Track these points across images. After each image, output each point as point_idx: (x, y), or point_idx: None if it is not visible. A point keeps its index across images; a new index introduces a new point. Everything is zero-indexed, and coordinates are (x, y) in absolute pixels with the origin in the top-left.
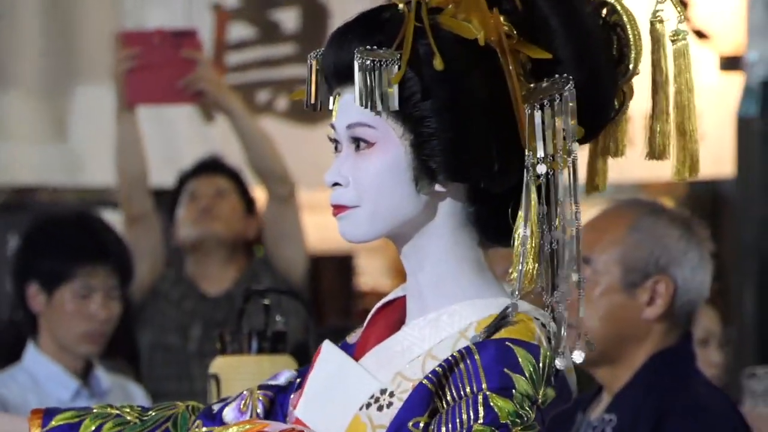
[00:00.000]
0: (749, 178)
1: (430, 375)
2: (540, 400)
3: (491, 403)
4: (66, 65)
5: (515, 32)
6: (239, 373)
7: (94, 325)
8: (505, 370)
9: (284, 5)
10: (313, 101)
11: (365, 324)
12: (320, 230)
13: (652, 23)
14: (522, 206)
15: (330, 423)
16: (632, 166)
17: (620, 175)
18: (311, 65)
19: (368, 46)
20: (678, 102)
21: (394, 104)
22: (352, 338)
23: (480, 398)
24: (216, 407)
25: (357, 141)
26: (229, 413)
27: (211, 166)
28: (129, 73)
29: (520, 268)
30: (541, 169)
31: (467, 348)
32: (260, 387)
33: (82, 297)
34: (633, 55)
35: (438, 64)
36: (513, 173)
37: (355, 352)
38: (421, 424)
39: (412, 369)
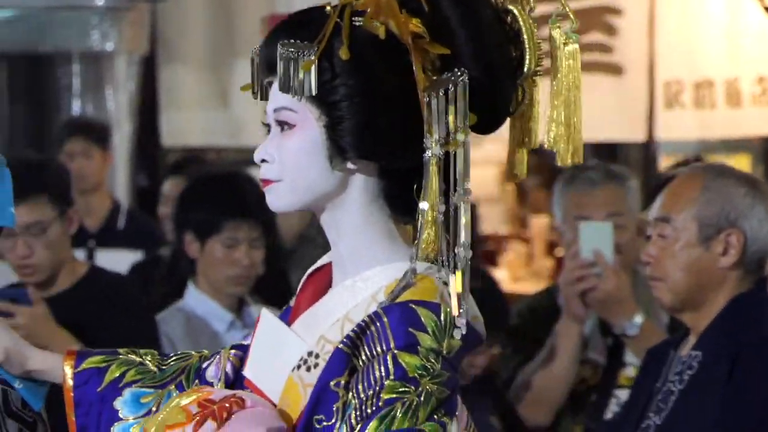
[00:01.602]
0: None
1: (345, 339)
2: (445, 351)
3: (399, 360)
4: (227, 43)
5: (427, 33)
6: None
7: (239, 270)
8: (410, 329)
9: None
10: (255, 90)
11: (298, 289)
12: None
13: (550, 30)
14: (423, 183)
15: (272, 384)
16: (715, 124)
17: (705, 132)
18: (252, 60)
19: (291, 40)
20: (566, 98)
21: (309, 90)
22: (292, 302)
23: (389, 357)
24: (204, 364)
25: (281, 123)
26: (210, 370)
27: None
28: None
29: (419, 236)
30: (437, 150)
31: (376, 312)
32: (232, 347)
33: (229, 247)
34: (529, 57)
35: (344, 53)
36: (416, 154)
37: (290, 316)
38: (342, 383)
39: (333, 332)
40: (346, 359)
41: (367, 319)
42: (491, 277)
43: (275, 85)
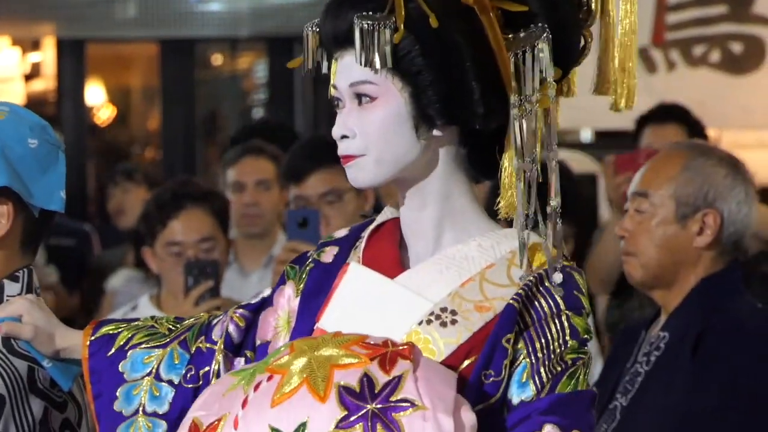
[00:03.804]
0: None
1: (515, 297)
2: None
3: (572, 322)
4: None
5: None
6: None
7: None
8: (574, 292)
9: None
10: (309, 67)
11: (363, 244)
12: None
13: None
14: (509, 143)
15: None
16: None
17: None
18: (307, 36)
19: (364, 12)
20: (622, 42)
21: (391, 61)
22: (328, 257)
23: (564, 318)
24: (213, 322)
25: (360, 97)
26: (216, 329)
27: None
28: None
29: (518, 198)
30: (528, 107)
31: (540, 274)
32: (239, 307)
33: None
34: (595, 3)
35: (433, 21)
36: (498, 114)
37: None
38: (512, 339)
39: (470, 291)
40: (516, 316)
41: (532, 279)
42: None
43: (347, 59)
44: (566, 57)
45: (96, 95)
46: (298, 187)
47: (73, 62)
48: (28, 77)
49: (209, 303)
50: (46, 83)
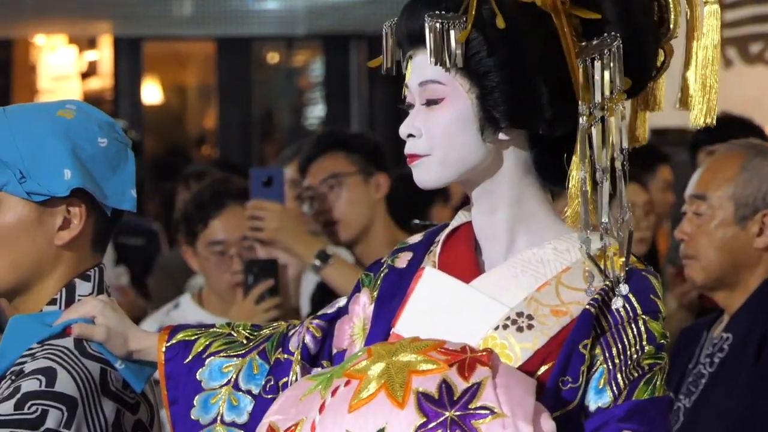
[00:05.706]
0: None
1: (592, 302)
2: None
3: (649, 327)
4: None
5: None
6: None
7: None
8: (651, 296)
9: None
10: (388, 65)
11: (439, 248)
12: None
13: None
14: (576, 151)
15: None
16: None
17: None
18: (386, 34)
19: (437, 11)
20: (704, 58)
21: (461, 61)
22: (402, 263)
23: (641, 322)
24: (290, 332)
25: (428, 97)
26: (293, 340)
27: None
28: None
29: (583, 207)
30: (597, 114)
31: (615, 278)
32: (314, 317)
33: None
34: (672, 18)
35: (500, 22)
36: (566, 121)
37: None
38: (588, 345)
39: (546, 296)
40: (593, 321)
41: (607, 284)
42: None
43: (419, 59)
44: (639, 68)
45: (153, 93)
46: (305, 179)
47: (130, 60)
48: (85, 75)
49: (269, 302)
50: (102, 81)
